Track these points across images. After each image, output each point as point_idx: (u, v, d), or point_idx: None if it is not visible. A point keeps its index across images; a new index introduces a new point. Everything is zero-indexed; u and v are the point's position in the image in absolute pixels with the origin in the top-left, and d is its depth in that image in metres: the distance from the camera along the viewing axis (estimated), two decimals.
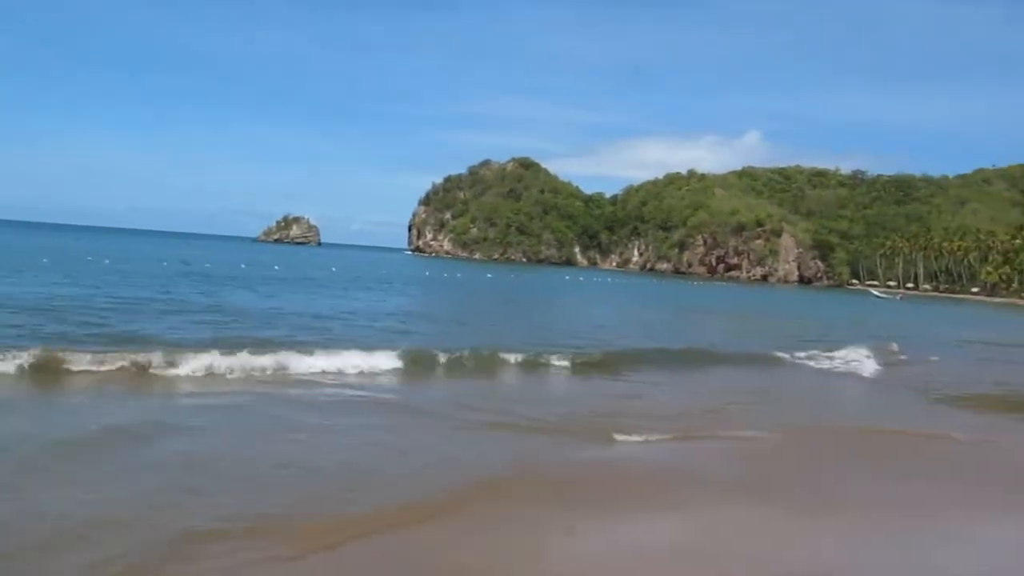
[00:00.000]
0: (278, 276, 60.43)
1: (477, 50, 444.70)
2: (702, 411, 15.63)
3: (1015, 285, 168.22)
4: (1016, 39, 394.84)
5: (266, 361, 16.50)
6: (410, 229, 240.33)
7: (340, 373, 16.77)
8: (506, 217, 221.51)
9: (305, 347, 18.29)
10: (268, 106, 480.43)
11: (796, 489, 10.24)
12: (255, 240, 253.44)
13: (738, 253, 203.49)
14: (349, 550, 7.21)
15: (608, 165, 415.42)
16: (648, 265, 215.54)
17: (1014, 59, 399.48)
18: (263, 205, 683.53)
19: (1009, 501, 10.45)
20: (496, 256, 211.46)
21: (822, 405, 18.76)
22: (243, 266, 73.83)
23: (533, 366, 20.29)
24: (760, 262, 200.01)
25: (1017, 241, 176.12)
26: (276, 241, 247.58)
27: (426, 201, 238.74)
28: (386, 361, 18.09)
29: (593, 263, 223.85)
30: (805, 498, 9.87)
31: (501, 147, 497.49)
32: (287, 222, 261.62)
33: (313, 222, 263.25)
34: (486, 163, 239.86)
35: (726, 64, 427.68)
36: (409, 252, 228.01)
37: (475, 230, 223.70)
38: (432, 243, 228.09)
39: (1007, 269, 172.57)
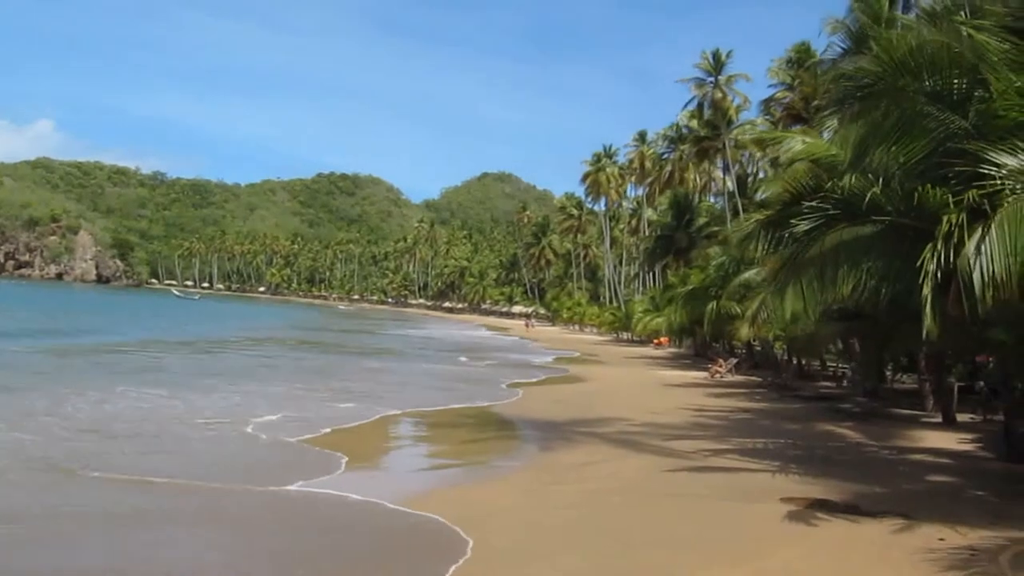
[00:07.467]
0: None
1: None
2: None
3: (295, 285, 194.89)
4: (311, 65, 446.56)
5: None
6: None
7: None
8: None
9: None
10: None
11: None
12: None
13: (30, 250, 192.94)
14: None
15: None
16: None
17: (320, 82, 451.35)
18: None
19: None
20: None
21: None
22: None
23: None
24: (55, 260, 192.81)
25: (295, 246, 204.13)
26: None
27: None
28: None
29: None
30: None
31: None
32: None
33: None
34: None
35: (15, 40, 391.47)
36: None
37: None
38: None
39: (288, 271, 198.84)
